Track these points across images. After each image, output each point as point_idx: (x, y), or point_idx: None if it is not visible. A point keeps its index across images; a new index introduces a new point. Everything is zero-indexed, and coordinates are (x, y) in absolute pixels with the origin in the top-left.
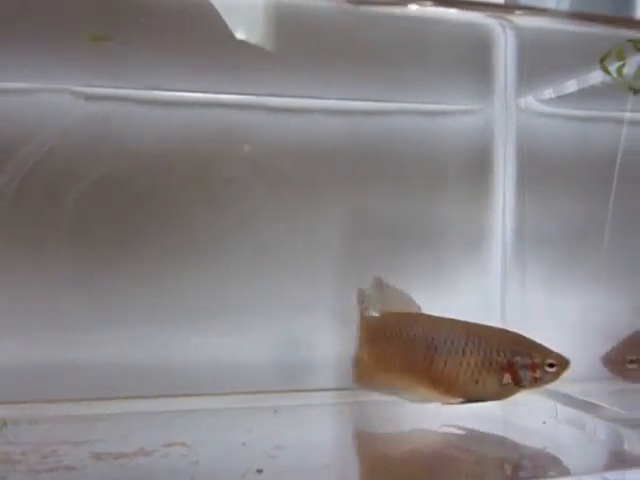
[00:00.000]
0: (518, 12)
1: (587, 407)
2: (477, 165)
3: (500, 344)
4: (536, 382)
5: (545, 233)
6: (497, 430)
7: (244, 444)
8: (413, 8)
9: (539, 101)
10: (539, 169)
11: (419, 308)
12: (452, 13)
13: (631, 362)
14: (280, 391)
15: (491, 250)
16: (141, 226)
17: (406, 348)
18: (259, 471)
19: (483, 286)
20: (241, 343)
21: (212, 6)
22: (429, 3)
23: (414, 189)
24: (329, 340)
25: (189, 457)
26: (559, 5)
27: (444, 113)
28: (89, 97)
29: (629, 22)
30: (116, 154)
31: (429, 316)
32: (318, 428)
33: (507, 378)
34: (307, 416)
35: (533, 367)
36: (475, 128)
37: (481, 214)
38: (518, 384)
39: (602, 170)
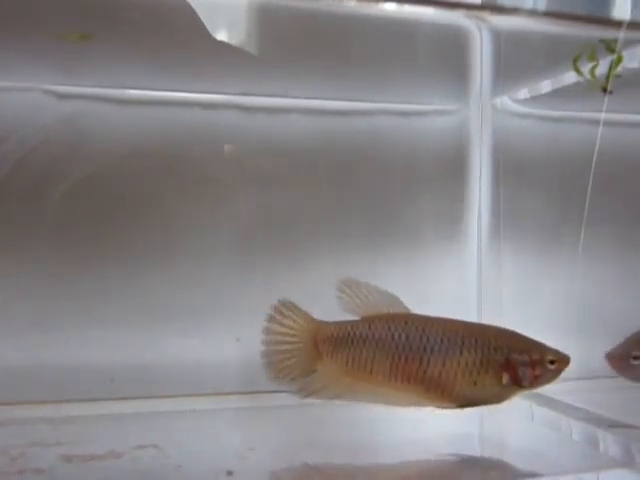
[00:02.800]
0: (493, 12)
1: (563, 408)
2: (454, 164)
3: (497, 342)
4: (536, 381)
5: (519, 229)
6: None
7: (215, 445)
8: (390, 9)
9: (514, 101)
10: (514, 167)
11: (406, 308)
12: (428, 14)
13: (635, 358)
14: (251, 392)
15: (467, 246)
16: (115, 226)
17: (394, 351)
18: (229, 473)
19: (460, 280)
20: (214, 344)
21: (189, 4)
22: (406, 2)
23: (392, 188)
24: None
25: (160, 459)
26: (536, 5)
27: (421, 113)
28: (61, 96)
29: (605, 22)
30: (89, 153)
31: (420, 316)
32: (288, 429)
33: (506, 378)
34: (277, 417)
35: (532, 365)
36: (451, 128)
37: (457, 211)
38: (518, 384)
39: (574, 168)
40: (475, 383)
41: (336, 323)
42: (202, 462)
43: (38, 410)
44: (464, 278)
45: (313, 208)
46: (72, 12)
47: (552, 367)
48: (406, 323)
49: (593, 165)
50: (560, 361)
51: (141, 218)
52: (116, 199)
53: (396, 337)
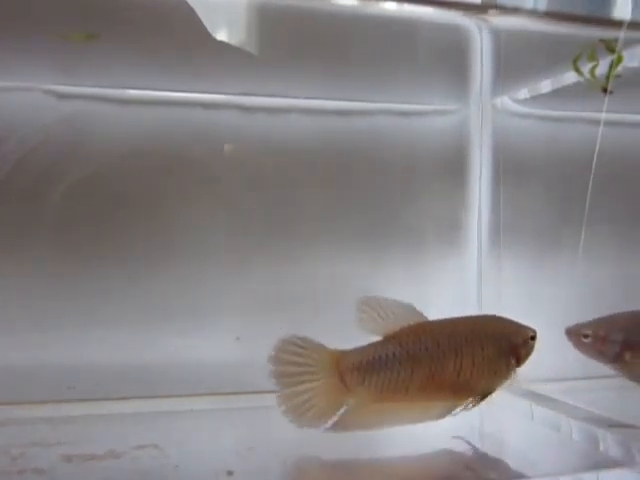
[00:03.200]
0: (494, 12)
1: (563, 407)
2: (454, 164)
3: (503, 330)
4: (526, 358)
5: (520, 229)
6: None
7: (215, 445)
8: (390, 8)
9: (514, 101)
10: (514, 167)
11: (423, 316)
12: (429, 13)
13: (585, 336)
14: (252, 392)
15: (467, 245)
16: (115, 226)
17: (430, 363)
18: (229, 473)
19: (459, 281)
20: (216, 344)
21: (189, 5)
22: (406, 2)
23: (391, 188)
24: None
25: (159, 459)
26: (536, 5)
27: (421, 113)
28: (61, 96)
29: (605, 22)
30: (89, 153)
31: (435, 321)
32: (288, 429)
33: (514, 362)
34: (277, 417)
35: (524, 344)
36: (451, 128)
37: (457, 211)
38: (518, 364)
39: (574, 168)
40: (495, 372)
41: (359, 350)
42: (202, 462)
43: (38, 410)
44: (464, 279)
45: (313, 208)
46: (72, 12)
47: (533, 342)
48: (433, 332)
49: (593, 165)
50: (534, 336)
51: (141, 218)
52: (116, 199)
53: (430, 349)
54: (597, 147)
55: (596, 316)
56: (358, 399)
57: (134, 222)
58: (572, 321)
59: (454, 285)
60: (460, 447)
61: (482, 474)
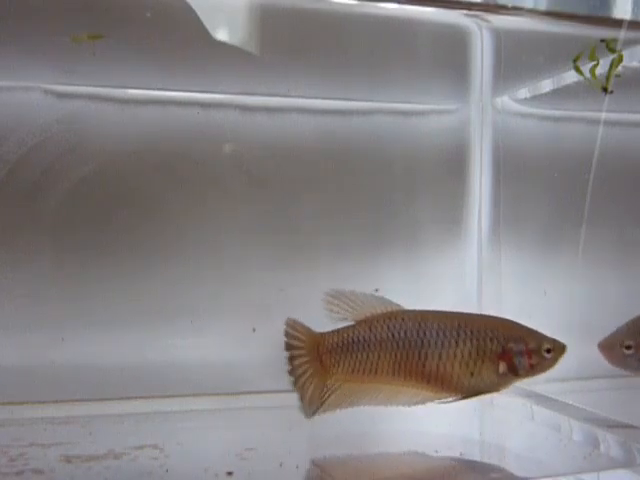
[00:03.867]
0: (494, 11)
1: (563, 407)
2: (454, 163)
3: (493, 331)
4: (532, 369)
5: (520, 229)
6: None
7: (215, 446)
8: (391, 7)
9: (515, 101)
10: (514, 167)
11: (398, 306)
12: (429, 13)
13: (627, 348)
14: (251, 392)
15: (467, 245)
16: (115, 226)
17: (396, 349)
18: (229, 473)
19: (459, 280)
20: (215, 344)
21: (189, 5)
22: (406, 2)
23: (391, 187)
24: None
25: (160, 460)
26: (536, 4)
27: (421, 113)
28: (61, 95)
29: (605, 21)
30: (89, 153)
31: (415, 311)
32: (288, 429)
33: (503, 367)
34: (277, 417)
35: (529, 353)
36: (452, 127)
37: (458, 211)
38: (514, 373)
39: (575, 168)
40: (472, 374)
41: (335, 332)
42: (202, 462)
43: (38, 410)
44: (464, 278)
45: (313, 207)
46: (72, 11)
47: (549, 356)
48: (403, 320)
49: (593, 164)
50: (557, 349)
51: (141, 217)
52: (116, 198)
53: (395, 335)
54: (597, 146)
55: (598, 314)
56: (334, 380)
57: (134, 221)
58: (572, 319)
59: (454, 285)
60: (460, 448)
61: (482, 475)
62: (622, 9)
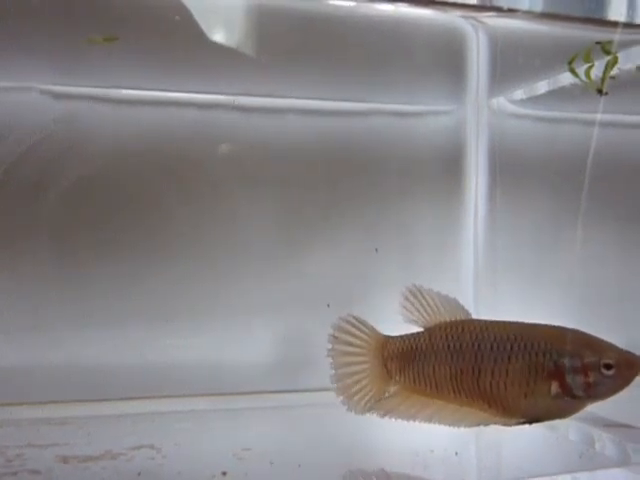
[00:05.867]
0: (490, 13)
1: None
2: (450, 164)
3: (547, 344)
4: (592, 389)
5: (516, 229)
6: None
7: (212, 446)
8: (388, 9)
9: (510, 102)
10: (510, 167)
11: (469, 314)
12: (425, 14)
13: None
14: (248, 393)
15: (464, 245)
16: (112, 226)
17: (450, 363)
18: (223, 474)
19: (456, 281)
20: (212, 344)
21: (186, 6)
22: (403, 4)
23: (388, 188)
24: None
25: (156, 460)
26: (532, 6)
27: (418, 114)
28: (58, 96)
29: (601, 23)
30: (86, 153)
31: (479, 321)
32: (285, 430)
33: (555, 387)
34: (275, 417)
35: (585, 370)
36: (448, 128)
37: (454, 212)
38: (569, 394)
39: (570, 168)
40: (525, 395)
41: (401, 337)
42: (198, 462)
43: (35, 411)
44: (460, 278)
45: (309, 207)
46: (71, 12)
47: (609, 373)
48: (462, 330)
49: (589, 165)
50: (622, 365)
51: (138, 218)
52: (113, 199)
53: (451, 347)
54: (592, 147)
55: (595, 315)
56: (398, 386)
57: (131, 222)
58: (569, 321)
59: (449, 286)
60: (456, 447)
61: (478, 475)
62: (617, 11)
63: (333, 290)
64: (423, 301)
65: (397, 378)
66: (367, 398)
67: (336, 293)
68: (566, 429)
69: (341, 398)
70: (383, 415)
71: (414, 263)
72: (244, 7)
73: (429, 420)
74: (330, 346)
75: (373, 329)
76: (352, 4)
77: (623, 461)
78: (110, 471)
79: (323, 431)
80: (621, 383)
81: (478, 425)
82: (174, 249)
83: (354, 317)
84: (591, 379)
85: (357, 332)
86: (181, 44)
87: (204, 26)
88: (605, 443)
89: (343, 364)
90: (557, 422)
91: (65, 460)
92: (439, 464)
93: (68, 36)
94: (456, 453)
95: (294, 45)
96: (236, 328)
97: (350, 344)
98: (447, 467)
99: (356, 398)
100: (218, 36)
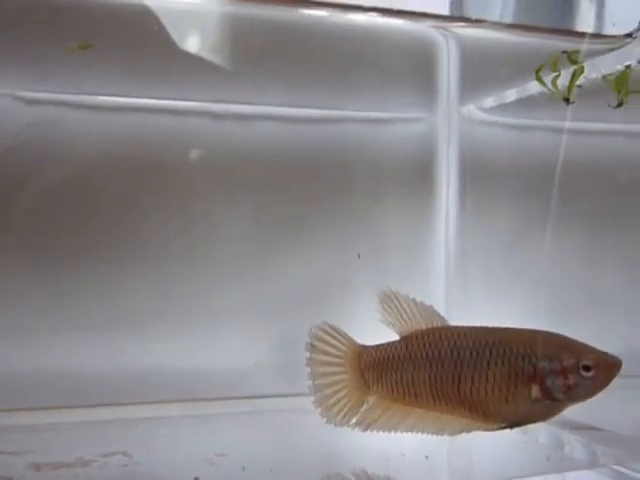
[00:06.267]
0: (460, 23)
1: None
2: (421, 171)
3: (527, 348)
4: (572, 391)
5: (486, 233)
6: None
7: (185, 452)
8: (360, 19)
9: (481, 110)
10: (480, 174)
11: (445, 320)
12: (397, 24)
13: None
14: (221, 398)
15: (434, 250)
16: (84, 232)
17: (429, 371)
18: (196, 479)
19: (426, 287)
20: (188, 350)
21: (158, 13)
22: (374, 14)
23: (360, 194)
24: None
25: (129, 467)
26: (502, 17)
27: (389, 121)
28: (31, 102)
29: (567, 34)
30: (59, 160)
31: (456, 328)
32: (260, 435)
33: (536, 390)
34: (250, 423)
35: (564, 372)
36: (420, 135)
37: (425, 218)
38: (550, 397)
39: (539, 174)
40: (507, 400)
41: (377, 347)
42: (171, 468)
43: (6, 418)
44: (430, 284)
45: (282, 213)
46: (42, 19)
47: (588, 374)
48: (440, 337)
49: (557, 171)
50: (600, 367)
51: (113, 223)
52: (86, 205)
53: (429, 355)
54: (561, 154)
55: (563, 318)
56: (376, 397)
57: (104, 227)
58: (537, 324)
59: (421, 290)
60: (427, 450)
61: (450, 478)
62: (585, 22)
63: (307, 292)
64: (399, 307)
65: (375, 388)
66: (346, 410)
67: (310, 295)
68: (535, 432)
69: (319, 410)
70: (365, 429)
71: (385, 268)
72: (217, 15)
73: (411, 430)
74: (308, 354)
75: (350, 338)
76: (325, 14)
77: (591, 463)
78: (82, 478)
79: (296, 436)
80: (600, 384)
81: (460, 432)
82: (149, 254)
83: (330, 326)
84: (571, 381)
85: (334, 342)
86: (155, 51)
87: (177, 33)
88: (574, 445)
89: (321, 374)
90: (528, 426)
91: (37, 467)
92: (410, 468)
93: (41, 43)
94: (426, 457)
95: (266, 53)
96: (211, 332)
97: (328, 353)
98: (418, 471)
99: (335, 410)
100: (191, 43)
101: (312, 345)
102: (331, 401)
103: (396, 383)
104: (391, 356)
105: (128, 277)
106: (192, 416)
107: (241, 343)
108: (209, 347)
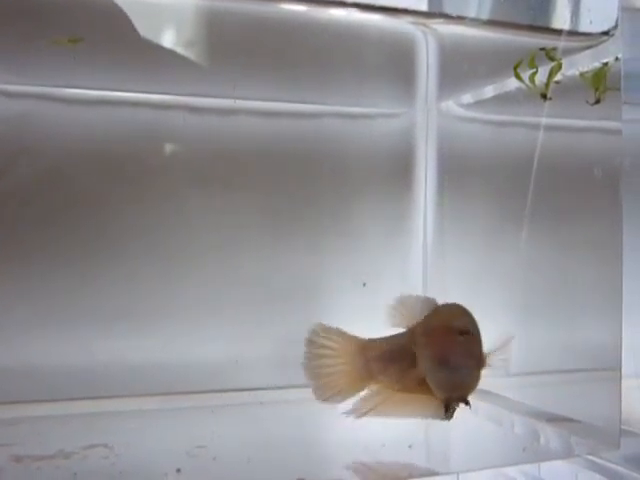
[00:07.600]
0: (439, 20)
1: (505, 402)
2: (400, 166)
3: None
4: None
5: (464, 228)
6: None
7: (165, 444)
8: (340, 14)
9: (459, 106)
10: (459, 169)
11: None
12: (376, 19)
13: None
14: (201, 391)
15: (412, 245)
16: (62, 226)
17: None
18: (178, 470)
19: (404, 280)
20: (168, 344)
21: (137, 5)
22: (354, 9)
23: (338, 189)
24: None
25: (110, 459)
26: (479, 14)
27: (368, 116)
28: (10, 95)
29: (545, 31)
30: (38, 153)
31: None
32: (241, 428)
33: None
34: (231, 415)
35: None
36: (398, 130)
37: (403, 213)
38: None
39: (515, 170)
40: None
41: (383, 339)
42: (152, 460)
43: None
44: (409, 278)
45: (260, 209)
46: (20, 11)
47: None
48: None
49: (534, 167)
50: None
51: (88, 217)
52: (64, 199)
53: (409, 343)
54: (537, 150)
55: (537, 312)
56: (379, 386)
57: (81, 222)
58: (516, 316)
59: (399, 284)
60: (404, 440)
61: (426, 467)
62: (562, 19)
63: (285, 285)
64: (405, 311)
65: (380, 377)
66: (339, 388)
67: (289, 288)
68: (512, 424)
69: (313, 383)
70: (364, 414)
71: (363, 262)
72: (196, 8)
73: (405, 415)
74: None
75: (349, 335)
76: (303, 8)
77: (566, 453)
78: (64, 470)
79: (277, 428)
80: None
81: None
82: (124, 248)
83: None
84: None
85: (331, 338)
86: (134, 44)
87: (156, 26)
88: (549, 436)
89: (318, 361)
90: (504, 417)
91: (18, 460)
92: (392, 458)
93: (20, 35)
94: (409, 446)
95: (245, 47)
96: (187, 327)
97: (326, 347)
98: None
99: (328, 381)
100: (170, 37)
101: (310, 341)
102: (324, 373)
103: (403, 372)
104: (400, 346)
105: (101, 271)
106: (172, 409)
107: (219, 337)
108: (184, 342)
